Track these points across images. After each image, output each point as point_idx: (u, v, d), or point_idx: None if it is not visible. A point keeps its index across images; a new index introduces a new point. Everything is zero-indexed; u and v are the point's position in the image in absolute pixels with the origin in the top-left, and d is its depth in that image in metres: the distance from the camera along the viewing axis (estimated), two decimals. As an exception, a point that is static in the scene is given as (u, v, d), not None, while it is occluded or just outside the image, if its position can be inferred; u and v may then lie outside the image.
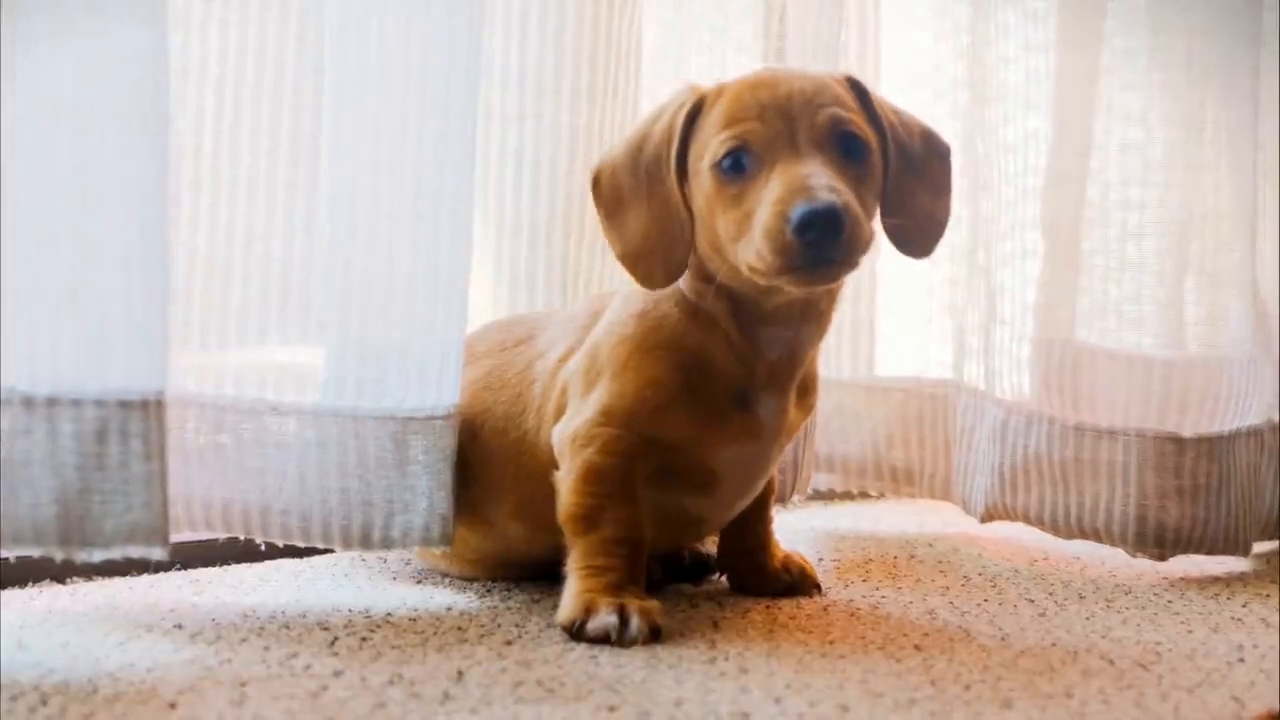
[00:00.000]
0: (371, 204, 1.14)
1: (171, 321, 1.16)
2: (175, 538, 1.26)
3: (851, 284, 1.58)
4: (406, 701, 0.90)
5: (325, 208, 1.16)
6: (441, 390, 1.17)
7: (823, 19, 1.45)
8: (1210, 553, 1.41)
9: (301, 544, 1.17)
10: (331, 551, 1.31)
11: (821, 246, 0.99)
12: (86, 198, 0.99)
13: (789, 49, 1.47)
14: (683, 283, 1.12)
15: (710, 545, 1.31)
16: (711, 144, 1.06)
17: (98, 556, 0.99)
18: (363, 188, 1.14)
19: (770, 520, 1.26)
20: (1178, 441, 1.40)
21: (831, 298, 1.14)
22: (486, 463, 1.19)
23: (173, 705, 0.87)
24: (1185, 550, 1.41)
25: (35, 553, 0.98)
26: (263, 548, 1.23)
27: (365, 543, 1.16)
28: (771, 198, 1.01)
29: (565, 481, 1.12)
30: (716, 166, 1.05)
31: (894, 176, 1.11)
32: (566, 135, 1.38)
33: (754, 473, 1.16)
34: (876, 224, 1.10)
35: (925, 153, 1.15)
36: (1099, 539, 1.42)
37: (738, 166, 1.05)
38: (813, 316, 1.13)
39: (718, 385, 1.11)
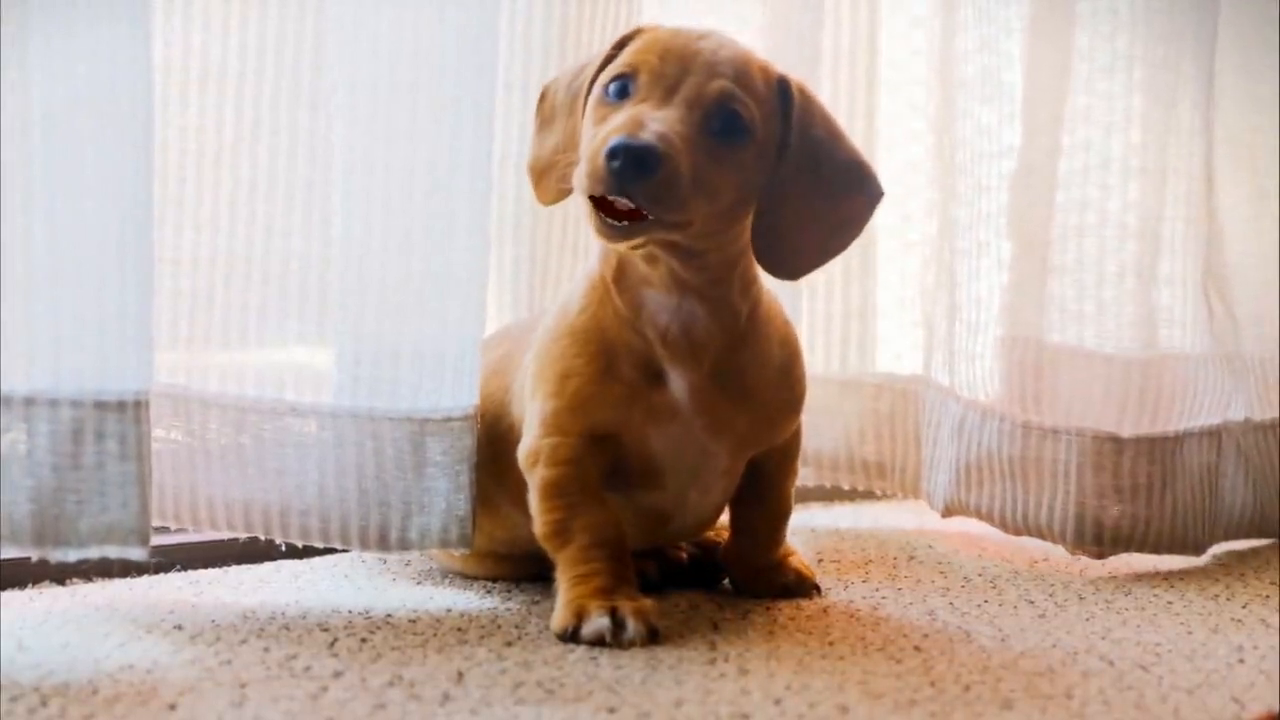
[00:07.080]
0: (385, 202, 1.14)
1: (195, 322, 1.17)
2: (183, 538, 1.28)
3: (837, 277, 1.60)
4: (406, 703, 0.90)
5: (340, 206, 1.15)
6: (458, 390, 1.16)
7: (797, 15, 1.45)
8: (1155, 552, 1.41)
9: (321, 544, 1.18)
10: (334, 552, 1.30)
11: (624, 180, 0.99)
12: (63, 199, 0.98)
13: (773, 48, 1.46)
14: (597, 258, 1.13)
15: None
16: (611, 68, 1.08)
17: (73, 556, 0.99)
18: (376, 185, 1.14)
19: (779, 539, 1.24)
20: (1116, 441, 1.40)
21: (709, 276, 1.10)
22: (490, 446, 1.19)
23: (173, 706, 0.87)
24: (1126, 549, 1.41)
25: (11, 552, 0.99)
26: (270, 544, 1.23)
27: (383, 544, 1.16)
28: (610, 124, 1.03)
29: (531, 502, 1.12)
30: (604, 86, 1.07)
31: (781, 183, 1.09)
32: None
33: (695, 462, 1.13)
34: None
35: (842, 182, 1.12)
36: (1042, 536, 1.43)
37: (621, 92, 1.06)
38: (692, 289, 1.10)
39: (623, 359, 1.11)
